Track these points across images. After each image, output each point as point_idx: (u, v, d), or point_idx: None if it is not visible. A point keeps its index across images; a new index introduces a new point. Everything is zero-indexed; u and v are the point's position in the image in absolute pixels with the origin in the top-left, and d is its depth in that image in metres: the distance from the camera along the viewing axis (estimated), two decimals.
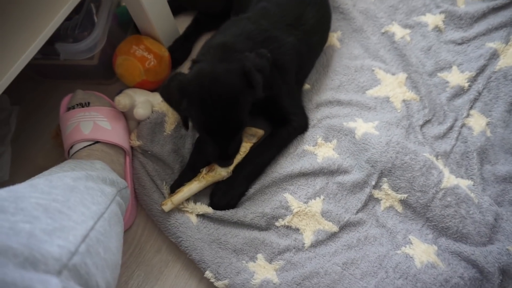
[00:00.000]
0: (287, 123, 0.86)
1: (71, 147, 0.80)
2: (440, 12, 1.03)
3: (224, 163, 0.76)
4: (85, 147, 0.79)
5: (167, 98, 0.76)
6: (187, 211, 0.81)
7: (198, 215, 0.81)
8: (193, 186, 0.80)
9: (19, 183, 0.51)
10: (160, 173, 0.86)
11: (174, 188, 0.82)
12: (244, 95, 0.70)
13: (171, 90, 0.72)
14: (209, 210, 0.81)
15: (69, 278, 0.39)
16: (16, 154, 0.94)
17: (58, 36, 0.85)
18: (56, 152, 0.93)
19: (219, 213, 0.80)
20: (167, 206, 0.79)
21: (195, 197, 0.83)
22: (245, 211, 0.80)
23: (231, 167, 0.81)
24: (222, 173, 0.80)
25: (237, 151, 0.78)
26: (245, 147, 0.82)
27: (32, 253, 0.37)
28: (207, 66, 0.71)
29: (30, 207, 0.43)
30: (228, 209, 0.81)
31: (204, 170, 0.81)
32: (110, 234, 0.52)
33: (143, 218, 0.85)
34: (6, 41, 0.69)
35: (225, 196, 0.81)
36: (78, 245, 0.43)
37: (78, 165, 0.71)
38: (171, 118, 0.89)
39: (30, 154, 0.95)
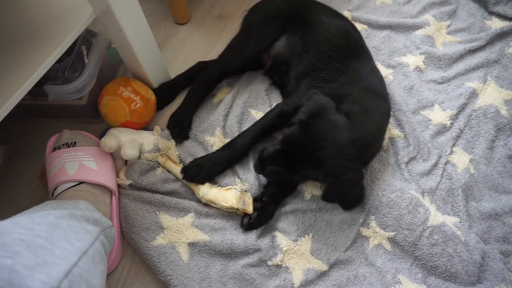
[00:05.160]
0: None
1: (55, 188, 0.79)
2: (420, 53, 1.07)
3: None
4: (70, 187, 0.78)
5: None
6: (179, 243, 0.79)
7: (190, 246, 0.80)
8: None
9: (1, 220, 0.50)
10: (149, 209, 0.84)
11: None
12: None
13: None
14: (206, 237, 0.80)
15: None
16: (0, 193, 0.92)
17: (47, 77, 0.85)
18: (41, 192, 0.92)
19: (215, 241, 0.79)
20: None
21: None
22: (239, 244, 0.79)
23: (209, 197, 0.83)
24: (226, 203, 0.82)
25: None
26: (231, 200, 0.81)
27: None
28: None
29: (13, 242, 0.42)
30: (195, 182, 0.85)
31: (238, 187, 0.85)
32: (93, 271, 0.51)
33: (129, 259, 0.83)
34: None
35: (199, 170, 0.85)
36: (60, 281, 0.42)
37: (61, 205, 0.70)
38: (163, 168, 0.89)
39: (14, 194, 0.93)
